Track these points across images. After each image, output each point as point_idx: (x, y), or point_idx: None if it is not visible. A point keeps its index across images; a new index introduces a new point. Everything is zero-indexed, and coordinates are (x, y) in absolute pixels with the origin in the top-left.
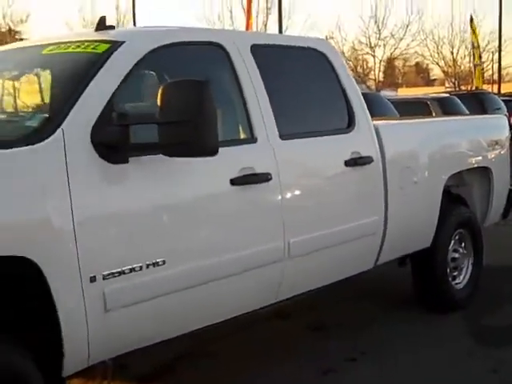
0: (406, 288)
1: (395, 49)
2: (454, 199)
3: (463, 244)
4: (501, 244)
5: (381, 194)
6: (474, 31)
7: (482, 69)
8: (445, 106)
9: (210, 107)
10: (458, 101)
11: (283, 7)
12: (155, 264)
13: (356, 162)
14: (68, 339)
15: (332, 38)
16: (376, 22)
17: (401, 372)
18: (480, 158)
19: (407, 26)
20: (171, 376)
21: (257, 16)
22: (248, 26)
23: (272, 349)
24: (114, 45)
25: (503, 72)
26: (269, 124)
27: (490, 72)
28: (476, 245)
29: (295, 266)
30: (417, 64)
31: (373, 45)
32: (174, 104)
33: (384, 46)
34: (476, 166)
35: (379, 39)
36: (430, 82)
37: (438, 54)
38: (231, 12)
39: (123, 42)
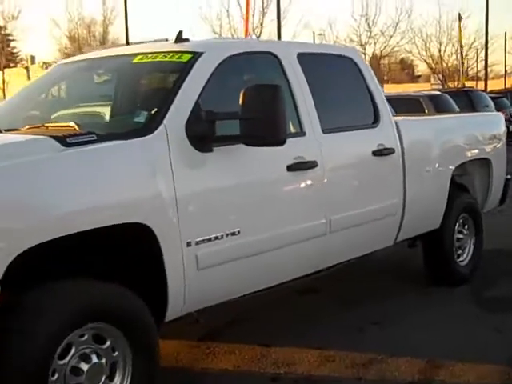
0: (416, 267)
1: (385, 46)
2: (459, 187)
3: (466, 226)
4: (495, 231)
5: (400, 181)
6: (460, 31)
7: (467, 69)
8: (437, 103)
9: (281, 106)
10: (449, 98)
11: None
12: (233, 233)
13: (381, 152)
14: (171, 292)
15: (320, 34)
16: (367, 20)
17: (417, 331)
18: (481, 150)
19: (397, 24)
20: (231, 331)
21: (253, 15)
22: (246, 29)
23: (308, 315)
24: (195, 55)
25: (488, 69)
26: (313, 120)
27: (475, 69)
28: (477, 227)
29: (334, 239)
30: (402, 60)
31: (363, 42)
32: (253, 104)
33: (374, 43)
34: (478, 157)
35: (370, 37)
36: (414, 79)
37: (425, 51)
38: (228, 11)
39: (203, 53)
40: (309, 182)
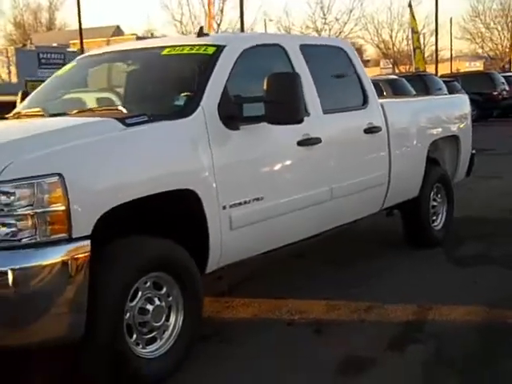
0: (394, 235)
1: (340, 32)
2: (432, 161)
3: (439, 195)
4: (462, 202)
5: (386, 155)
6: (413, 17)
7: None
8: (394, 87)
9: (299, 91)
10: (406, 82)
11: None
12: (257, 199)
13: (371, 130)
14: (212, 247)
15: (271, 20)
16: (322, 7)
17: (405, 285)
18: (451, 128)
19: (351, 11)
20: (245, 288)
21: (213, 2)
22: (210, 18)
23: (309, 274)
24: (219, 48)
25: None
26: (315, 102)
27: (426, 54)
28: (448, 196)
29: (335, 205)
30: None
31: (319, 29)
32: (276, 89)
33: (329, 30)
34: (448, 134)
35: (325, 24)
36: (363, 63)
37: (377, 37)
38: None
39: (225, 46)
40: (314, 155)
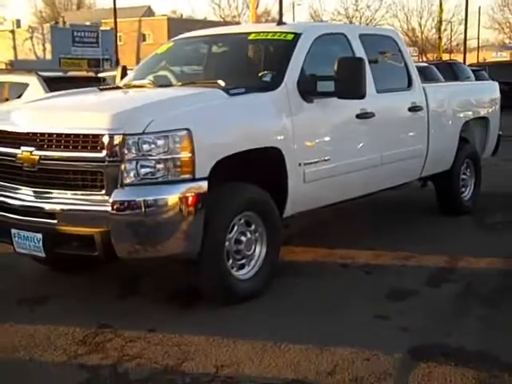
0: (427, 205)
1: (371, 20)
2: (463, 139)
3: (468, 170)
4: (487, 179)
5: (425, 131)
6: (441, 7)
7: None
8: (425, 74)
9: (363, 72)
10: (436, 69)
11: None
12: (325, 160)
13: (414, 109)
14: (290, 195)
15: (299, 4)
16: None
17: (438, 241)
18: (482, 111)
19: None
20: (302, 238)
21: None
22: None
23: (354, 231)
24: (297, 35)
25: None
26: (371, 83)
27: (454, 43)
28: (477, 170)
29: (384, 169)
30: None
31: (350, 15)
32: (346, 69)
33: (360, 17)
34: (479, 116)
35: (356, 10)
36: None
37: (407, 24)
38: None
39: (302, 33)
40: (369, 127)
